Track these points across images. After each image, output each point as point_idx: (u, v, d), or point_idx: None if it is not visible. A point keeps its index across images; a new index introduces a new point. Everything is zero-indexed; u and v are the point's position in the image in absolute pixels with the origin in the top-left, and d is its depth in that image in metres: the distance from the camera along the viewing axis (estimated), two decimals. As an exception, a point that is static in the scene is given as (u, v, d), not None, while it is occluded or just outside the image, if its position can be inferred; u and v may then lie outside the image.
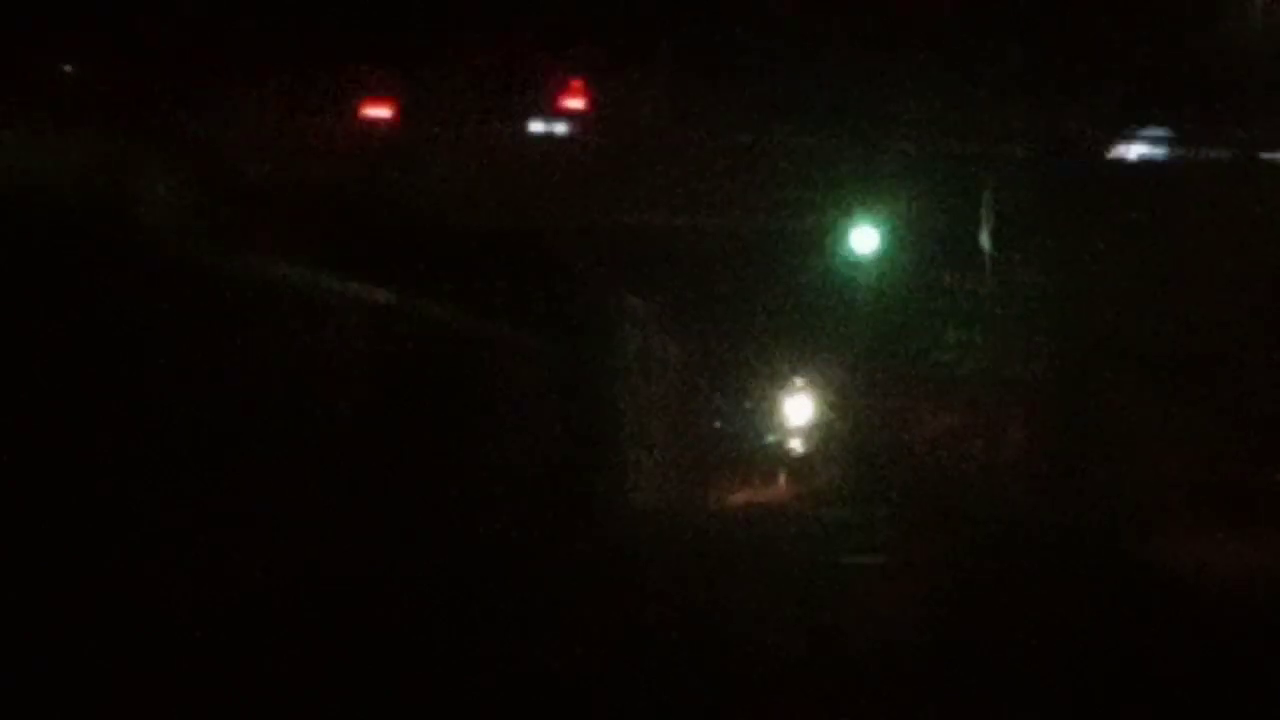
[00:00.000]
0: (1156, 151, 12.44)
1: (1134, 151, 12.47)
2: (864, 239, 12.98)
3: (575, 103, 12.11)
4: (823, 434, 12.85)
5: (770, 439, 12.96)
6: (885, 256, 12.92)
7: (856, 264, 12.96)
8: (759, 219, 12.56)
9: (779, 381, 13.13)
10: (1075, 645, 10.03)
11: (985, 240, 13.08)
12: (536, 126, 12.19)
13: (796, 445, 12.97)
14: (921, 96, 12.37)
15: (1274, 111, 11.76)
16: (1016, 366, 12.36)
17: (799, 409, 12.98)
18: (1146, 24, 11.62)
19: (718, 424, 12.81)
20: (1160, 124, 12.25)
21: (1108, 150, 12.53)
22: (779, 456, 13.05)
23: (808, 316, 12.94)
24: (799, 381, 12.89)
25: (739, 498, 12.83)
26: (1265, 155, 12.10)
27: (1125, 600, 10.69)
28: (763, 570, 11.23)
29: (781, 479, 12.90)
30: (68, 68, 10.66)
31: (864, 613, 10.83)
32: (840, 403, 12.92)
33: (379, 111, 11.92)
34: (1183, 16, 11.65)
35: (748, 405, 13.01)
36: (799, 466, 12.90)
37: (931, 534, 11.82)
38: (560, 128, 12.23)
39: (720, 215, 12.53)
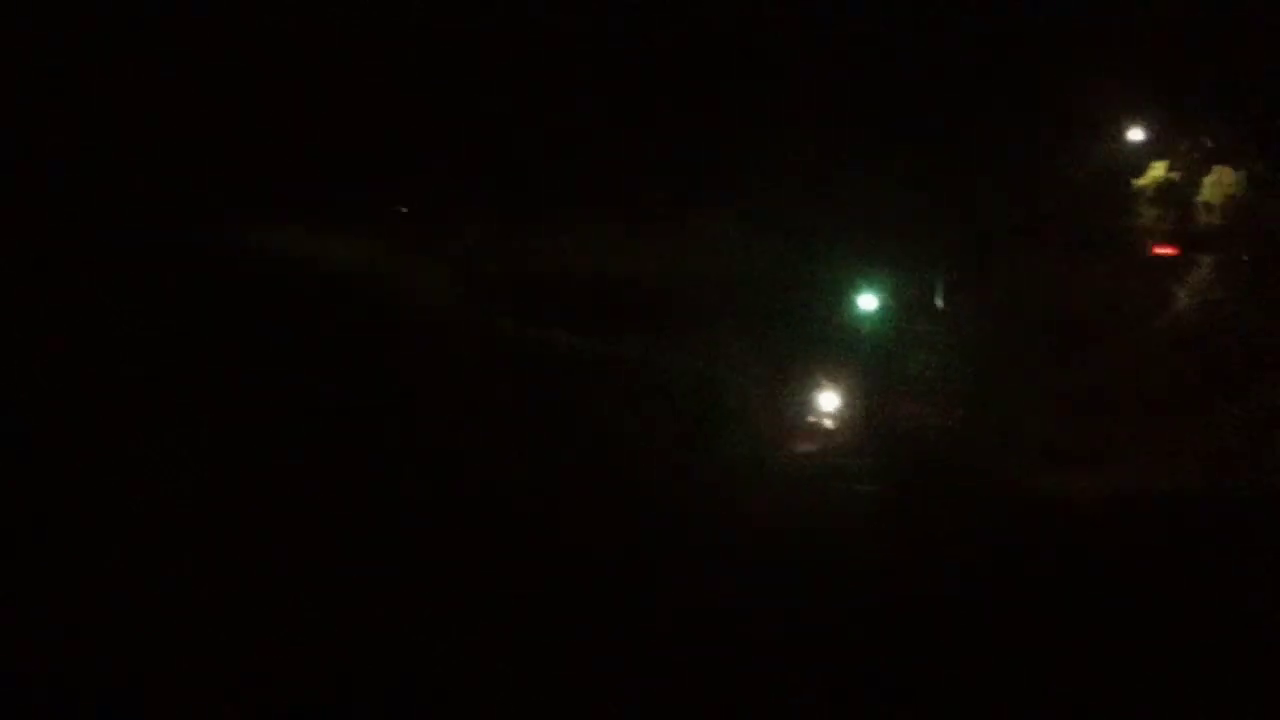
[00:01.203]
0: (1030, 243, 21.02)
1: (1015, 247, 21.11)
2: (867, 301, 21.68)
3: None
4: (842, 415, 21.47)
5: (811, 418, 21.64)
6: (880, 311, 21.63)
7: (863, 315, 21.67)
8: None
9: (818, 383, 21.85)
10: (977, 533, 18.36)
11: (939, 301, 21.74)
12: None
13: (827, 421, 21.61)
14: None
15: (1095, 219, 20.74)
16: (952, 376, 21.08)
17: (829, 400, 21.60)
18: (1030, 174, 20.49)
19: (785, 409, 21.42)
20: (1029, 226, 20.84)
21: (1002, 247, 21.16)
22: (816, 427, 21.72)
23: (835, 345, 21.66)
24: (829, 384, 21.52)
25: (795, 450, 21.48)
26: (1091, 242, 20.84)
27: (1008, 508, 19.29)
28: (808, 491, 19.91)
29: (818, 440, 21.47)
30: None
31: (864, 517, 19.36)
32: (852, 396, 21.57)
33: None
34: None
35: (800, 398, 21.69)
36: (828, 433, 21.52)
37: (902, 473, 20.37)
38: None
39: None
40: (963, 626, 16.09)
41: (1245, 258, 21.40)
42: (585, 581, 15.10)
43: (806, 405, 21.35)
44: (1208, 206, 21.60)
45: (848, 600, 16.46)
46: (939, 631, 15.90)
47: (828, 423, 21.33)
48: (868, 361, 21.13)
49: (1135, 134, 21.85)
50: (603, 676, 13.91)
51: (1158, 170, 21.77)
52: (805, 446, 21.70)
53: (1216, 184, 21.59)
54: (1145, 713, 14.62)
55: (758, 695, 14.29)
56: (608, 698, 13.79)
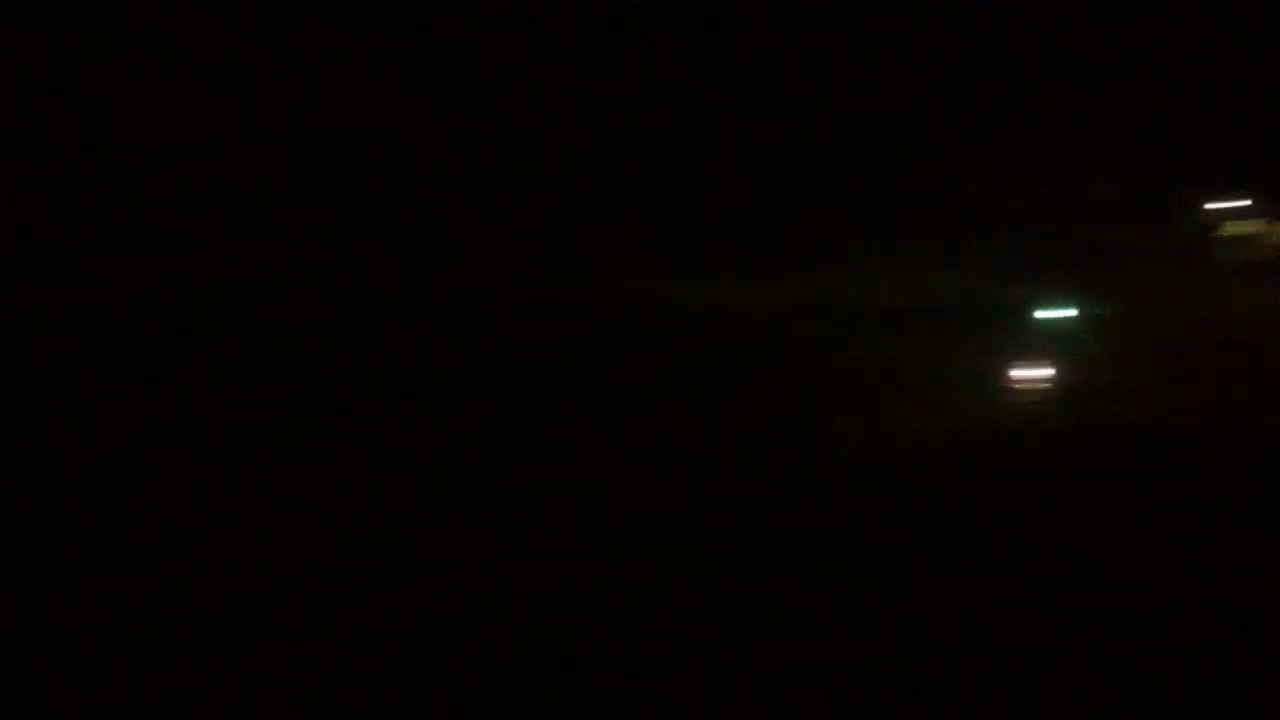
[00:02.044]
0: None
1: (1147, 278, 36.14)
2: (1061, 312, 37.02)
3: None
4: (1052, 380, 36.80)
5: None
6: (1072, 317, 36.83)
7: (1056, 320, 37.02)
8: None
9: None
10: (1130, 448, 26.45)
11: (1104, 311, 36.86)
12: None
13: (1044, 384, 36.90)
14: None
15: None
16: (1110, 358, 36.36)
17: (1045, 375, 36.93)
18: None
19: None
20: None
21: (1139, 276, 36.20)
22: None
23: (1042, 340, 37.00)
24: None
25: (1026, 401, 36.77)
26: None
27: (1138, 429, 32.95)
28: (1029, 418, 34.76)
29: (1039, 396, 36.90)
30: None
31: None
32: (1062, 371, 36.70)
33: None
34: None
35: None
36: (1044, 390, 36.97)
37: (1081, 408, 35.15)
38: None
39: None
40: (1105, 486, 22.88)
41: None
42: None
43: (1036, 375, 36.61)
44: (1270, 245, 36.48)
45: (1040, 469, 29.43)
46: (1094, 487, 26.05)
47: (1044, 385, 36.33)
48: (1064, 349, 36.12)
49: (1218, 205, 36.90)
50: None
51: (1231, 228, 36.67)
52: (1033, 400, 36.79)
53: (1273, 232, 36.41)
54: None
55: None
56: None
